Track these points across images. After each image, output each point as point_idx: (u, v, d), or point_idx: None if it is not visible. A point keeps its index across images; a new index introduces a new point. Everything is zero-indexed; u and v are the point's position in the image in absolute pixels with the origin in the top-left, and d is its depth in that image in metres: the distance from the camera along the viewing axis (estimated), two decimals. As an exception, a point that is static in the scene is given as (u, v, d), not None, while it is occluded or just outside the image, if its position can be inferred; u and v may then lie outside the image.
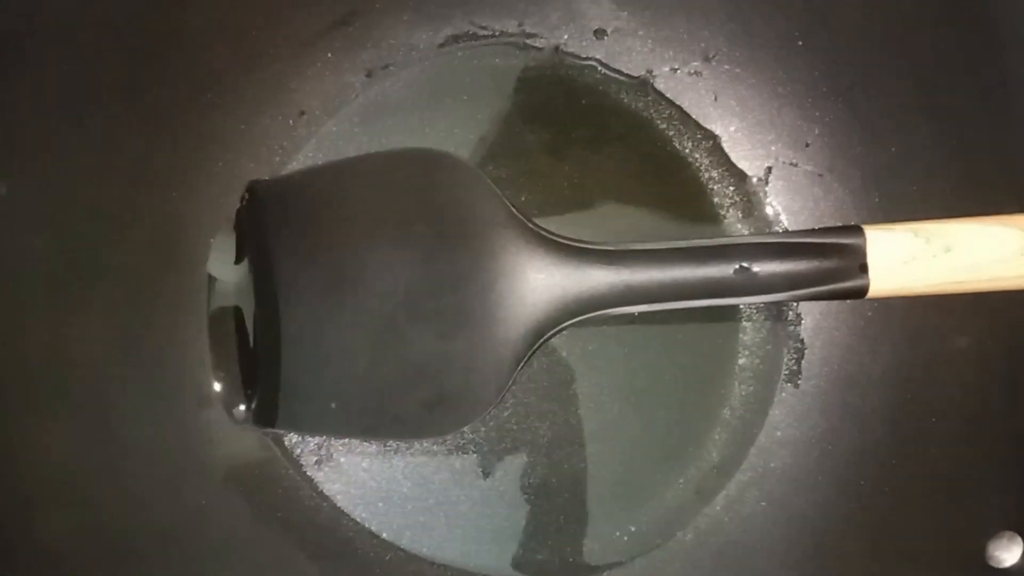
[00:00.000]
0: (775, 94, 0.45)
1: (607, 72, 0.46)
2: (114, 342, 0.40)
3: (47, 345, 0.38)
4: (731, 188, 0.46)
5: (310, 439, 0.43)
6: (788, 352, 0.45)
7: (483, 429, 0.43)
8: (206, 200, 0.43)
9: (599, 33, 0.46)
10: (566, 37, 0.46)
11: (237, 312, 0.42)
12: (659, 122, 0.46)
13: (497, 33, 0.46)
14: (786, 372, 0.45)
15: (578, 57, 0.46)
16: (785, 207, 0.46)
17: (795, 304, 0.45)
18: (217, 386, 0.42)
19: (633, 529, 0.43)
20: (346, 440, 0.43)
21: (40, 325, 0.38)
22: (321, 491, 0.43)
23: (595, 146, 0.45)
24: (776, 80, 0.45)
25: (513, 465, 0.43)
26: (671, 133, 0.46)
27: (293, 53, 0.44)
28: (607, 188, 0.45)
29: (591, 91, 0.46)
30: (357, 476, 0.43)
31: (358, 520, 0.43)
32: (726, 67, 0.46)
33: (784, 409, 0.44)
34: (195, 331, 0.42)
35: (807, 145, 0.45)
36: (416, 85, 0.45)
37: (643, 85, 0.46)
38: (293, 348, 0.40)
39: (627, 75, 0.46)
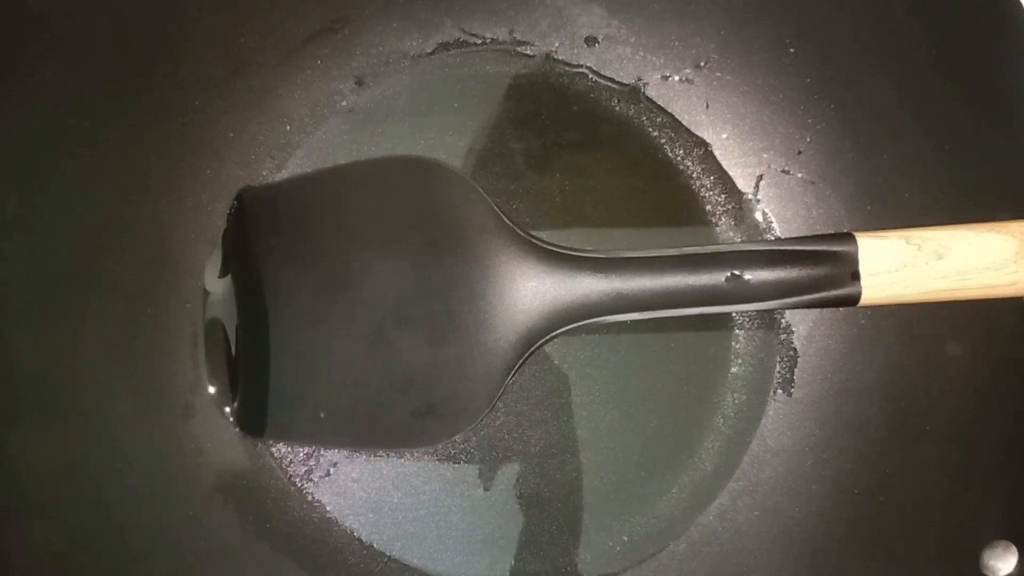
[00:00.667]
0: (767, 101, 0.45)
1: (598, 79, 0.46)
2: (103, 351, 0.39)
3: (35, 354, 0.37)
4: (723, 196, 0.46)
5: (300, 449, 0.43)
6: (781, 360, 0.45)
7: (475, 438, 0.43)
8: (194, 207, 0.42)
9: (590, 40, 0.46)
10: (557, 44, 0.46)
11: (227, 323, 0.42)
12: (650, 129, 0.46)
13: (488, 40, 0.46)
14: (779, 380, 0.44)
15: (569, 64, 0.46)
16: (777, 214, 0.46)
17: (788, 312, 0.45)
18: (211, 390, 0.42)
19: (626, 539, 0.43)
20: (336, 450, 0.43)
21: (28, 334, 0.37)
22: (311, 501, 0.43)
23: (586, 153, 0.45)
24: (768, 87, 0.45)
25: (505, 474, 0.43)
26: (662, 140, 0.46)
27: (281, 60, 0.44)
28: (598, 195, 0.45)
29: (582, 98, 0.46)
30: (347, 486, 0.43)
31: (348, 530, 0.43)
32: (717, 74, 0.45)
33: (777, 418, 0.44)
34: (185, 340, 0.42)
35: (799, 152, 0.45)
36: (406, 92, 0.45)
37: (634, 92, 0.46)
38: (282, 356, 0.40)
39: (618, 82, 0.46)
